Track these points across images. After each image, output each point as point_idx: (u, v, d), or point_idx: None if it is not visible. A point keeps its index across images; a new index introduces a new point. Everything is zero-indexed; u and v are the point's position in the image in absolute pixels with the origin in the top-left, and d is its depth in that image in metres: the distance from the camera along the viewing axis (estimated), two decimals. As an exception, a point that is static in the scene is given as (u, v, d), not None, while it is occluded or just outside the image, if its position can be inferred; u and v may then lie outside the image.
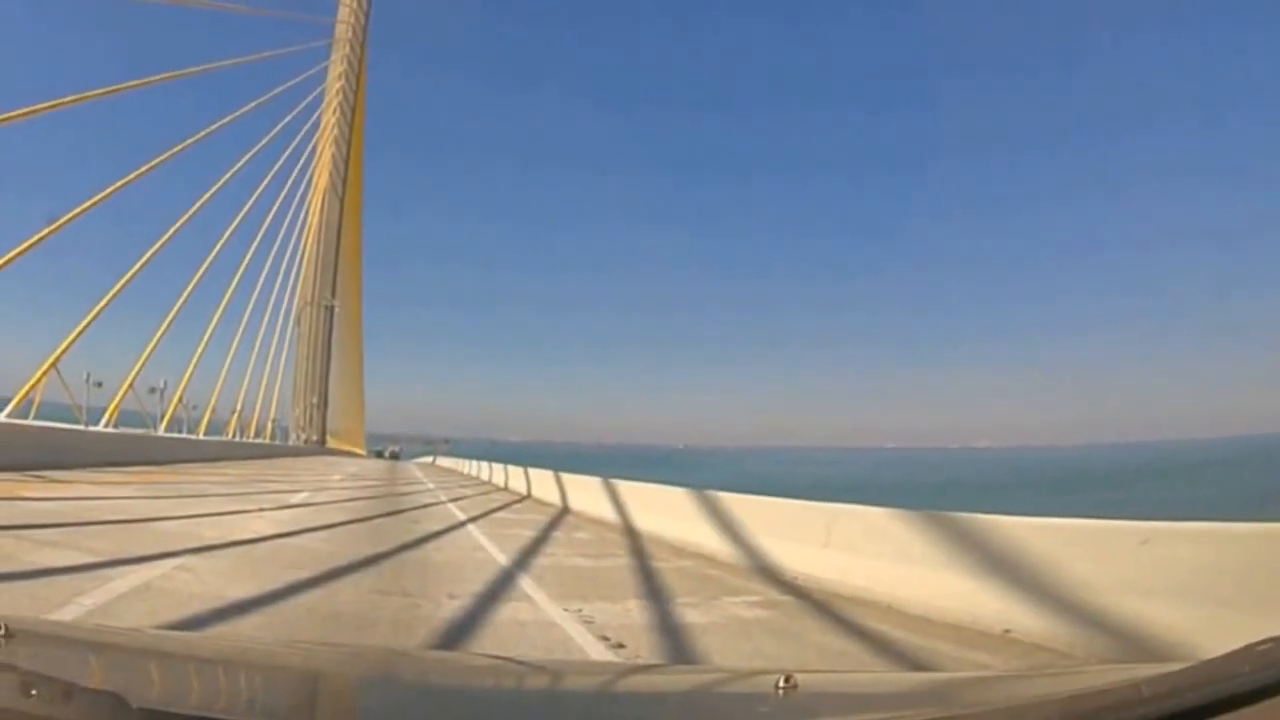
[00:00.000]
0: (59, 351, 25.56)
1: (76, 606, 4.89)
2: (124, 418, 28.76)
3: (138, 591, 5.54)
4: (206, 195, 34.33)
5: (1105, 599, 4.78)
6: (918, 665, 4.90)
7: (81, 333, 26.38)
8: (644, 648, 5.16)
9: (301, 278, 55.27)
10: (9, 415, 22.26)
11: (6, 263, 22.73)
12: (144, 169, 29.06)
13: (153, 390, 31.73)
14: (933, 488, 56.24)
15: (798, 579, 7.60)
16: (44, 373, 24.66)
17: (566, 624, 5.68)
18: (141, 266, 29.36)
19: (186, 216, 32.64)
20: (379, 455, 76.62)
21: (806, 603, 6.82)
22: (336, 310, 67.22)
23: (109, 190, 27.24)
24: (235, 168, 37.00)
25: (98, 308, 27.18)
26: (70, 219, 25.29)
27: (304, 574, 6.84)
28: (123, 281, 28.40)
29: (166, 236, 31.03)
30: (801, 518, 8.31)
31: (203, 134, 33.27)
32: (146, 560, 6.69)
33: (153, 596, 5.47)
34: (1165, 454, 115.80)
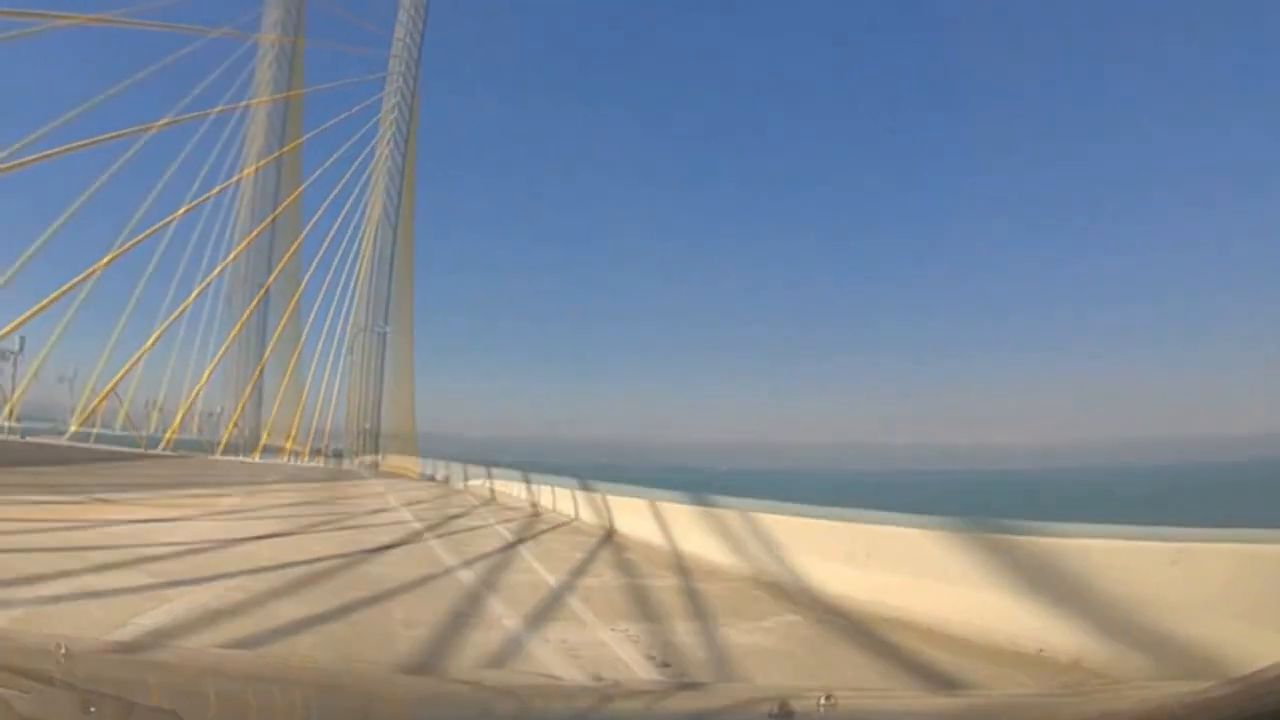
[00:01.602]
0: (118, 376, 26.47)
1: (135, 627, 5.05)
2: (178, 440, 29.52)
3: (193, 612, 5.69)
4: (263, 224, 35.27)
5: (1139, 616, 4.71)
6: (954, 684, 4.88)
7: (140, 359, 27.22)
8: (689, 666, 5.16)
9: (355, 305, 56.33)
10: (70, 438, 22.99)
11: (71, 287, 23.59)
12: (208, 195, 29.99)
13: (210, 415, 32.56)
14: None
15: (839, 599, 7.55)
16: (103, 397, 25.49)
17: (614, 643, 5.72)
18: (200, 292, 30.28)
19: (245, 243, 33.56)
20: (430, 480, 76.84)
21: (846, 623, 6.76)
22: (389, 336, 68.05)
23: (167, 219, 28.16)
24: (288, 200, 37.94)
25: (155, 335, 28.08)
26: (127, 249, 26.16)
27: (361, 594, 6.95)
28: (180, 309, 29.36)
29: (227, 262, 31.94)
30: (841, 537, 8.26)
31: (262, 163, 34.23)
32: (202, 581, 6.86)
33: (209, 617, 5.61)
34: (1189, 472, 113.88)
